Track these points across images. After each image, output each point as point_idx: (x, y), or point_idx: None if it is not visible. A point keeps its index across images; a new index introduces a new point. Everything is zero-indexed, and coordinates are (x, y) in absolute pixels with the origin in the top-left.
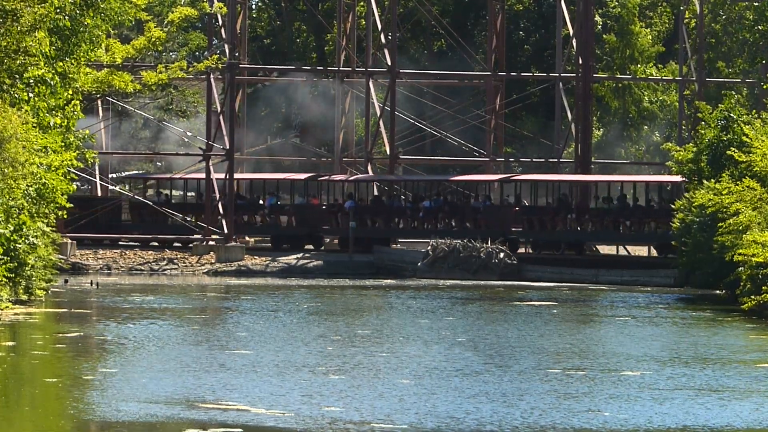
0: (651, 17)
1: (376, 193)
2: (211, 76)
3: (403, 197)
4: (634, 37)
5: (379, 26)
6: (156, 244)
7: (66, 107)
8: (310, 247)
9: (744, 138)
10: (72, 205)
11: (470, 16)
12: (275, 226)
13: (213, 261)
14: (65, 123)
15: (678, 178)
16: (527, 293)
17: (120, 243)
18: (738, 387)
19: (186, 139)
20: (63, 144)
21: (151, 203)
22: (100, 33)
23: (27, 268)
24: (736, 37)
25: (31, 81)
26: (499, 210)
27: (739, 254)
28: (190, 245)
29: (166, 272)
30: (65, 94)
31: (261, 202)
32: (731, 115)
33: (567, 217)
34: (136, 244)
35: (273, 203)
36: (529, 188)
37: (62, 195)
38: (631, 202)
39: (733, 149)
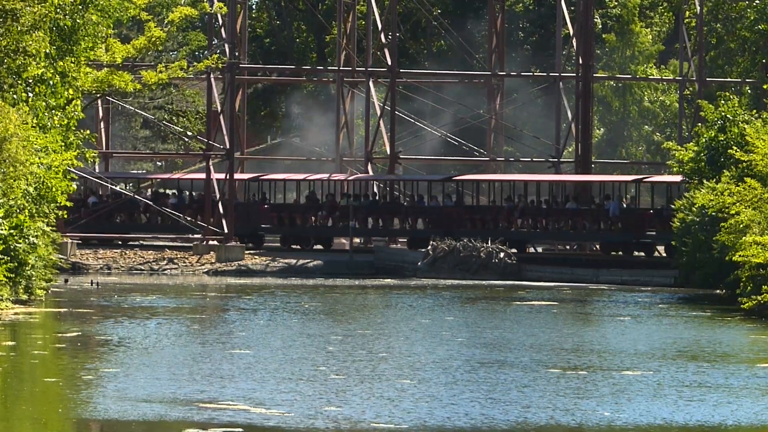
0: (651, 17)
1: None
2: (211, 75)
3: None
4: (634, 37)
5: (379, 26)
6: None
7: (66, 107)
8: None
9: (747, 138)
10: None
11: (470, 16)
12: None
13: (213, 261)
14: (65, 123)
15: (678, 178)
16: (527, 293)
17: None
18: (738, 386)
19: (186, 139)
20: (63, 144)
21: (151, 203)
22: (102, 29)
23: (27, 268)
24: (736, 36)
25: (31, 81)
26: (247, 207)
27: (740, 255)
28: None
29: (166, 272)
30: (65, 93)
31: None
32: (728, 116)
33: (317, 213)
34: (137, 243)
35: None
36: (281, 186)
37: (62, 194)
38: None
39: (734, 148)
